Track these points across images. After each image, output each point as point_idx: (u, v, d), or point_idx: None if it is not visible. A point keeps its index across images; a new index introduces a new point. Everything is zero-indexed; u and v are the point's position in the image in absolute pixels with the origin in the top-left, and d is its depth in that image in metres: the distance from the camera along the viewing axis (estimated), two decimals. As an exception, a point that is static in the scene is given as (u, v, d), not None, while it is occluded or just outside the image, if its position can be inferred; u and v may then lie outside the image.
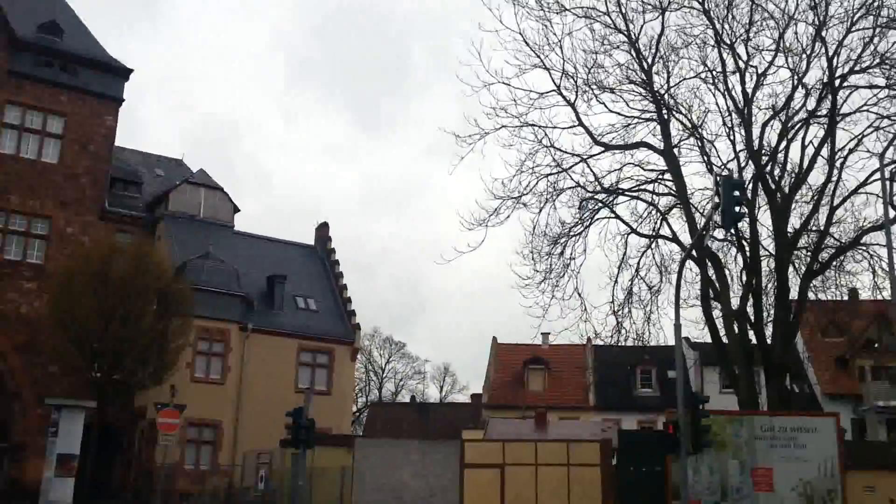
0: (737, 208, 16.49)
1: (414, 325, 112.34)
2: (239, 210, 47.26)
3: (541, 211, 25.06)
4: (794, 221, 25.33)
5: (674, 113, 25.71)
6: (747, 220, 25.02)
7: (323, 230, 49.63)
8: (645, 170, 26.68)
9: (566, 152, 25.54)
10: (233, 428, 38.13)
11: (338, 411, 41.47)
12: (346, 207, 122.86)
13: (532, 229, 25.08)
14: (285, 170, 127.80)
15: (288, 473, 25.96)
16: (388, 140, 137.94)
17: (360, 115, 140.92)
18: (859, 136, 24.70)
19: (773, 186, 24.90)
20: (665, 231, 26.28)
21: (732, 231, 25.24)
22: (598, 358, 51.10)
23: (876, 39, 23.09)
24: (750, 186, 24.82)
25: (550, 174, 25.15)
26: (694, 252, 24.98)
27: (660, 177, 26.76)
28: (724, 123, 25.33)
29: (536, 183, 25.00)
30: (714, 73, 24.87)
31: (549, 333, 54.65)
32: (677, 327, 19.52)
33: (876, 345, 50.48)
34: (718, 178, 17.66)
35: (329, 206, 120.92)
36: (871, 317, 50.21)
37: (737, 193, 16.57)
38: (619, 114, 25.59)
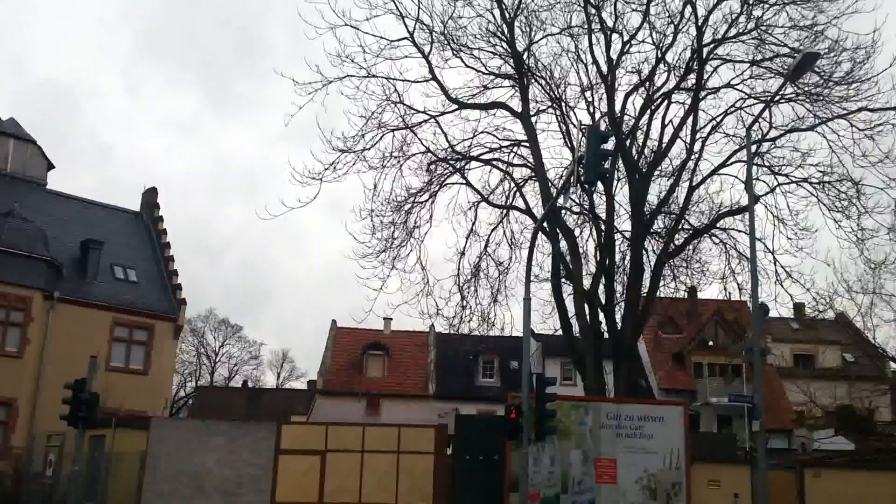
0: (602, 163, 14.64)
1: (259, 310, 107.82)
2: (54, 167, 42.22)
3: (383, 167, 22.63)
4: (652, 200, 24.11)
5: (535, 76, 23.89)
6: (604, 196, 23.61)
7: (151, 195, 45.04)
8: (500, 138, 24.80)
9: (416, 110, 23.24)
10: (30, 407, 33.60)
11: (155, 392, 37.47)
12: (194, 188, 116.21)
13: (373, 188, 22.61)
14: (129, 145, 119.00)
15: (84, 458, 22.56)
16: (242, 121, 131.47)
17: (213, 94, 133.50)
18: (720, 117, 23.79)
19: (633, 161, 23.45)
20: (519, 204, 24.47)
21: (587, 205, 23.77)
22: (441, 346, 49.56)
23: (744, 15, 22.00)
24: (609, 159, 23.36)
25: (397, 129, 22.74)
26: (547, 226, 23.29)
27: (515, 147, 24.97)
28: (585, 92, 23.75)
29: (381, 137, 22.57)
30: (579, 33, 23.18)
31: (391, 318, 52.99)
32: (526, 300, 17.68)
33: (711, 343, 51.63)
34: (584, 128, 15.72)
35: (176, 186, 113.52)
36: (709, 314, 51.42)
37: (604, 147, 14.71)
38: (476, 70, 23.51)
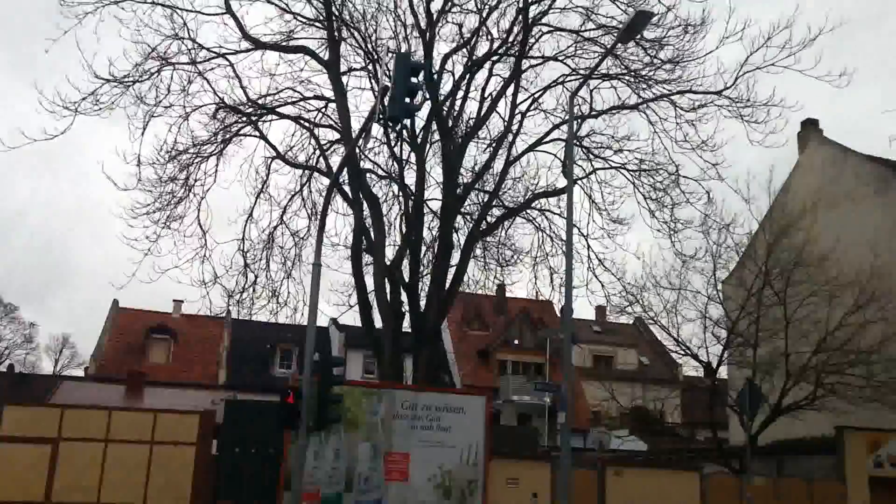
0: (410, 98, 12.37)
1: (52, 292, 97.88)
2: None
3: (158, 105, 19.24)
4: (467, 176, 22.20)
5: (348, 27, 21.31)
6: (415, 164, 21.44)
7: None
8: (304, 93, 22.05)
9: (207, 48, 20.03)
10: None
11: None
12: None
13: (143, 129, 19.12)
14: None
15: None
16: (41, 89, 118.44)
17: (10, 57, 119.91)
18: (539, 93, 22.30)
19: (448, 128, 21.32)
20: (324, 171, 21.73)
21: (396, 171, 21.55)
22: (236, 333, 46.06)
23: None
24: (423, 126, 21.31)
25: (179, 63, 19.43)
26: (351, 192, 20.85)
27: (324, 107, 22.34)
28: (401, 49, 21.38)
29: (159, 70, 19.17)
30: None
31: (182, 301, 48.50)
32: (316, 266, 15.23)
33: (517, 341, 51.33)
34: (393, 55, 13.32)
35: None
36: (516, 313, 51.13)
37: (414, 80, 12.42)
38: (279, 7, 20.54)
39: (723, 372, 27.91)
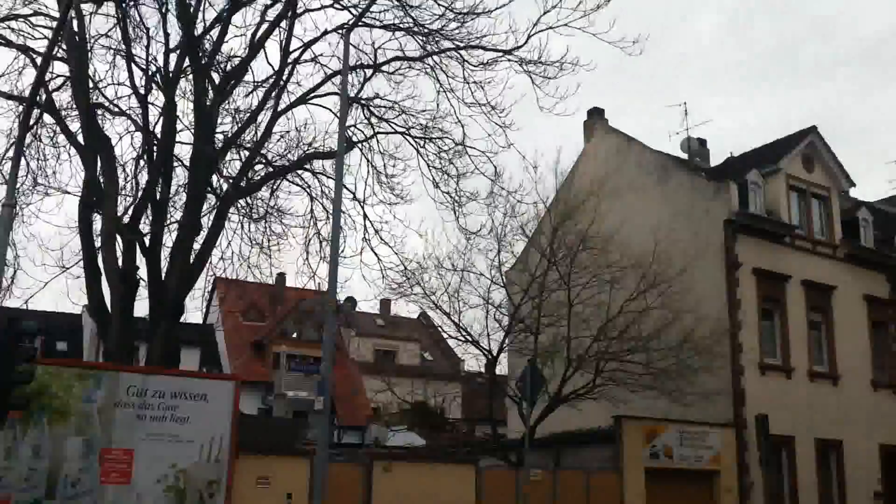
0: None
1: None
2: None
3: None
4: (229, 127, 19.13)
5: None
6: (161, 107, 18.08)
7: None
8: (23, 14, 18.14)
9: None
10: None
11: None
12: None
13: None
14: None
15: None
16: None
17: None
18: (313, 41, 19.66)
19: (204, 66, 18.11)
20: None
21: (139, 112, 18.14)
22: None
23: None
24: (175, 61, 18.05)
25: None
26: (84, 139, 17.26)
27: (58, 44, 18.48)
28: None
29: None
30: None
31: None
32: (7, 206, 11.90)
33: (295, 335, 48.51)
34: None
35: None
36: (294, 304, 48.30)
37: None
38: None
39: (504, 365, 26.83)
